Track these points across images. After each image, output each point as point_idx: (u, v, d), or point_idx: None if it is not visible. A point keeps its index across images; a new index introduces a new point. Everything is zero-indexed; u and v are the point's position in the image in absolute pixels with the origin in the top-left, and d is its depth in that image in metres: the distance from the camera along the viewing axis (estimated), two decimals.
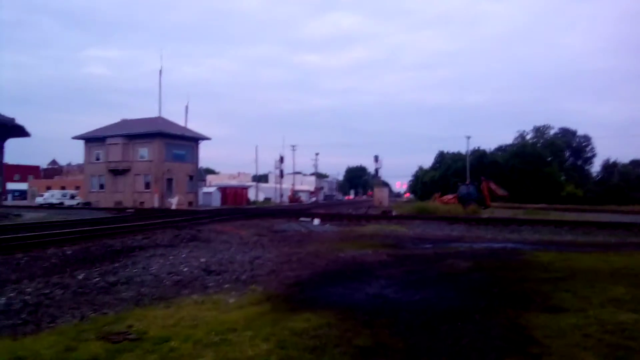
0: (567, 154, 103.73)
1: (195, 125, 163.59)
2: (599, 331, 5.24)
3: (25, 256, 10.48)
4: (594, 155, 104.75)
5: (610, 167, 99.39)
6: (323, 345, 4.76)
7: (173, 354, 4.51)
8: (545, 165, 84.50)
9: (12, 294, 7.13)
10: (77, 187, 68.93)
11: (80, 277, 8.61)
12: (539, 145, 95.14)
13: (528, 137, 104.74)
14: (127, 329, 5.38)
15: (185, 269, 9.53)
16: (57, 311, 6.39)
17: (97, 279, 8.46)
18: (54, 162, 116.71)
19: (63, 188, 68.98)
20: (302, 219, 25.32)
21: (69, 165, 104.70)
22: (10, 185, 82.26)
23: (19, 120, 29.75)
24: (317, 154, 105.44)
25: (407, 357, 4.51)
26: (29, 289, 7.52)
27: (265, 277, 8.83)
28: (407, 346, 4.82)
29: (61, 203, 51.06)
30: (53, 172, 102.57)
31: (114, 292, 7.62)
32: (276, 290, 7.62)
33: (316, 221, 23.77)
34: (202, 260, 10.68)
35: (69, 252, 11.34)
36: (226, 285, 8.06)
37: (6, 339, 5.12)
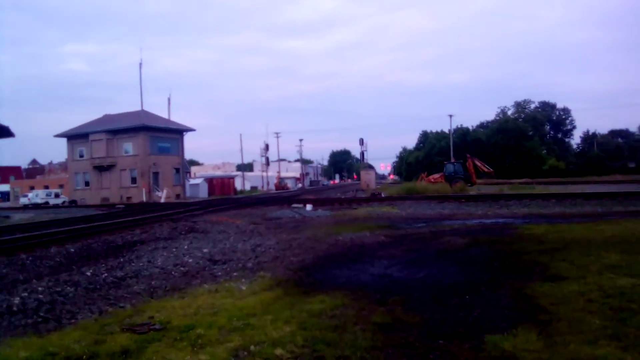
0: (548, 127, 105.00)
1: (178, 117, 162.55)
2: (601, 296, 5.54)
3: (29, 256, 10.51)
4: (573, 128, 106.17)
5: (589, 139, 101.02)
6: (343, 324, 4.97)
7: (201, 340, 4.68)
8: (527, 139, 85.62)
9: (24, 294, 7.21)
10: (61, 186, 68.16)
11: (88, 273, 8.70)
12: (520, 120, 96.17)
13: (509, 112, 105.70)
14: (149, 320, 5.53)
15: (190, 260, 9.67)
16: (74, 307, 6.51)
17: (105, 275, 8.56)
18: (34, 161, 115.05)
19: (46, 187, 68.12)
20: (294, 205, 25.50)
21: (50, 164, 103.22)
22: None
23: (1, 121, 29.30)
24: (301, 140, 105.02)
25: (424, 331, 4.74)
26: (40, 288, 7.59)
27: (270, 264, 9.02)
28: (423, 320, 5.05)
29: (46, 202, 50.48)
30: (35, 172, 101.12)
31: (125, 286, 7.75)
32: (284, 275, 7.82)
33: (308, 207, 23.97)
34: (205, 250, 10.82)
35: (71, 250, 11.39)
36: (235, 274, 8.23)
37: (32, 337, 5.23)
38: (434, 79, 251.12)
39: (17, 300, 6.92)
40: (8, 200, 78.39)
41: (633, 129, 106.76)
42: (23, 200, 54.14)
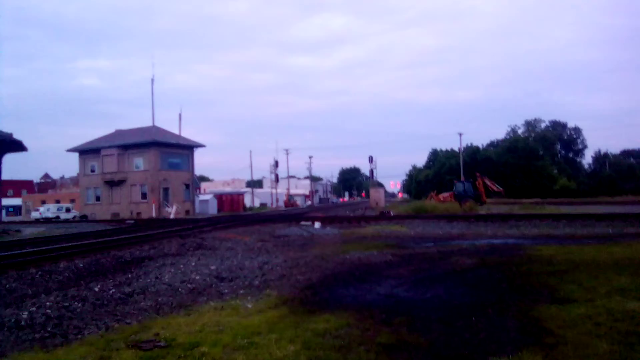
0: (559, 146, 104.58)
1: (188, 133, 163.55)
2: (609, 319, 5.48)
3: (38, 271, 10.59)
4: (585, 147, 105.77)
5: (601, 159, 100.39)
6: (347, 345, 4.96)
7: (205, 358, 4.69)
8: (538, 159, 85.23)
9: (33, 309, 7.26)
10: (72, 200, 68.76)
11: (96, 289, 8.75)
12: (530, 139, 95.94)
13: (519, 131, 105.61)
14: (155, 336, 5.55)
15: (198, 277, 9.70)
16: (80, 323, 6.54)
17: (113, 290, 8.60)
18: (46, 175, 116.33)
19: (58, 202, 68.81)
20: (302, 223, 25.51)
21: (62, 178, 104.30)
22: (3, 201, 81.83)
23: (15, 135, 29.77)
24: (310, 157, 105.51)
25: (429, 352, 4.71)
26: (48, 303, 7.64)
27: (277, 282, 9.02)
28: (428, 342, 5.03)
29: (57, 217, 50.95)
30: (46, 186, 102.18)
31: (132, 302, 7.78)
32: (290, 294, 7.81)
33: (317, 225, 23.97)
34: (212, 267, 10.85)
35: (80, 265, 11.46)
36: (241, 291, 8.24)
37: (39, 352, 5.27)
38: (443, 97, 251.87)
39: (25, 314, 6.96)
40: (20, 214, 79.16)
41: None
42: (34, 215, 54.69)
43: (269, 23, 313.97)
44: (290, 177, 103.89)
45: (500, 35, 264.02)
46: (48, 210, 53.88)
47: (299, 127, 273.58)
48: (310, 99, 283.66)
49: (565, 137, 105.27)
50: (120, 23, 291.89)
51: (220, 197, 65.77)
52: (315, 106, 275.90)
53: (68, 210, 54.90)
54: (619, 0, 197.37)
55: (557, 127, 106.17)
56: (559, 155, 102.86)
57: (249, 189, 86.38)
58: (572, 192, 76.36)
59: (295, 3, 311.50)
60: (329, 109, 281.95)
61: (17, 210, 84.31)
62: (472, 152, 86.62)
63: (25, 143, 30.85)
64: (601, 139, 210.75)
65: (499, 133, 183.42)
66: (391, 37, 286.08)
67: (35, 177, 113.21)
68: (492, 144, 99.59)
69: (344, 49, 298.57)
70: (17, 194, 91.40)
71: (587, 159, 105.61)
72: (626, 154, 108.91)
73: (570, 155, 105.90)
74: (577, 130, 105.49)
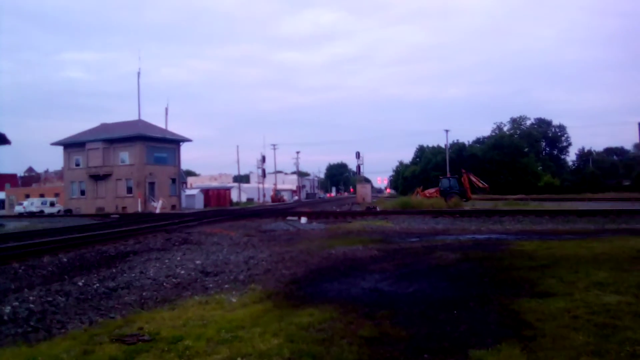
0: (543, 144, 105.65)
1: (175, 127, 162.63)
2: (587, 313, 5.61)
3: (21, 265, 10.52)
4: (569, 145, 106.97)
5: (585, 156, 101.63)
6: (330, 338, 5.02)
7: (189, 352, 4.72)
8: (523, 156, 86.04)
9: (16, 303, 7.23)
10: (57, 194, 67.92)
11: (80, 283, 8.72)
12: (515, 136, 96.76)
13: (505, 128, 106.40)
14: (139, 331, 5.56)
15: (183, 272, 9.70)
16: (64, 317, 6.53)
17: (97, 285, 8.58)
18: (30, 169, 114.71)
19: (42, 196, 67.88)
20: (289, 218, 25.54)
21: (46, 172, 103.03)
22: None
23: None
24: (298, 153, 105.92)
25: (410, 345, 4.79)
26: (31, 297, 7.61)
27: (262, 276, 9.06)
28: (409, 335, 5.11)
29: (41, 211, 50.36)
30: (30, 180, 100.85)
31: (116, 296, 7.77)
32: (275, 288, 7.86)
33: (303, 220, 24.02)
34: (198, 262, 10.85)
35: (64, 260, 11.40)
36: (226, 286, 8.27)
37: (22, 346, 5.26)
38: (431, 94, 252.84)
39: (8, 309, 6.93)
40: (3, 208, 78.04)
41: (628, 147, 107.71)
42: (18, 209, 53.97)
43: (259, 18, 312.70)
44: (277, 172, 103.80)
45: (489, 34, 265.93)
46: (32, 204, 53.22)
47: (287, 122, 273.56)
48: (299, 94, 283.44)
49: (550, 135, 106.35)
50: (109, 15, 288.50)
51: (207, 192, 65.49)
52: (304, 102, 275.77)
53: (52, 204, 54.28)
54: (604, 1, 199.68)
55: (542, 124, 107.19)
56: (543, 152, 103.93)
57: (236, 184, 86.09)
58: (556, 188, 77.22)
59: None
60: (318, 104, 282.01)
61: (0, 204, 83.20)
62: (458, 149, 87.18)
63: (9, 136, 30.35)
64: (585, 136, 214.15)
65: (485, 130, 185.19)
66: (381, 33, 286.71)
67: (19, 170, 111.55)
68: (478, 141, 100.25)
69: (333, 44, 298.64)
70: (0, 188, 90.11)
71: (571, 157, 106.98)
72: (609, 151, 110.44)
73: (555, 152, 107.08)
74: (561, 127, 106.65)
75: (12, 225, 28.46)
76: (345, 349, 4.66)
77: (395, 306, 6.37)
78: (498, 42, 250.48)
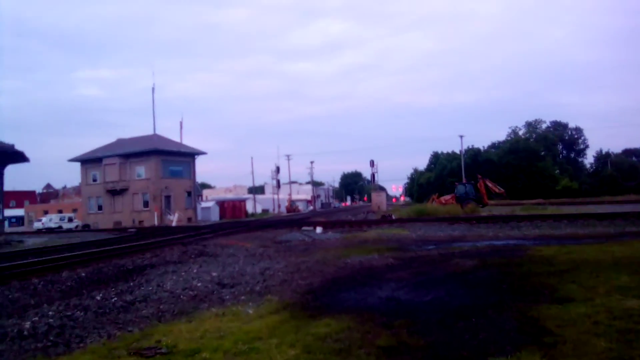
0: (560, 147, 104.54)
1: (190, 141, 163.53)
2: (608, 318, 5.50)
3: (41, 281, 10.64)
4: (586, 147, 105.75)
5: (603, 158, 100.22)
6: (347, 348, 4.99)
7: None
8: (539, 160, 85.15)
9: (35, 318, 7.31)
10: (74, 210, 68.88)
11: (98, 297, 8.80)
12: (531, 140, 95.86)
13: (520, 132, 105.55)
14: (156, 344, 5.58)
15: (199, 284, 9.73)
16: (83, 332, 6.58)
17: (114, 299, 8.64)
18: (48, 185, 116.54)
19: (60, 211, 68.91)
20: (304, 228, 25.53)
21: (64, 188, 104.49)
22: (6, 212, 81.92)
23: (16, 146, 29.91)
24: (312, 162, 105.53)
25: (428, 354, 4.74)
26: (50, 312, 7.69)
27: (278, 287, 9.05)
28: (427, 344, 5.05)
29: (60, 227, 51.04)
30: (49, 196, 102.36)
31: (134, 310, 7.81)
32: (291, 299, 7.84)
33: (318, 229, 23.98)
34: (214, 274, 10.88)
35: (82, 274, 11.51)
36: (242, 297, 8.27)
37: None
38: (443, 100, 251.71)
39: (27, 324, 7.01)
40: (23, 224, 79.31)
41: None
42: (37, 225, 54.84)
43: (269, 30, 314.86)
44: (291, 182, 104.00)
45: (499, 37, 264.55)
46: (50, 220, 54.01)
47: (300, 132, 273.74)
48: (310, 104, 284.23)
49: (567, 138, 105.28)
50: (121, 33, 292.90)
51: (222, 204, 65.82)
52: (315, 111, 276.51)
53: (70, 219, 55.01)
54: (617, 0, 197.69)
55: (558, 127, 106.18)
56: (560, 155, 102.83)
57: (250, 195, 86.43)
58: (574, 192, 76.23)
59: (294, 10, 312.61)
60: (330, 114, 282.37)
61: (19, 220, 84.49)
62: (473, 154, 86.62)
63: (27, 154, 30.99)
64: (602, 138, 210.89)
65: (500, 135, 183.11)
66: (390, 41, 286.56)
67: (38, 187, 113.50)
68: (493, 146, 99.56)
69: (343, 54, 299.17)
70: (19, 205, 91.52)
71: (588, 159, 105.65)
72: (628, 152, 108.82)
73: (572, 155, 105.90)
74: (578, 130, 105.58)
75: (31, 241, 28.84)
76: (362, 359, 4.62)
77: (412, 315, 6.31)
78: (509, 46, 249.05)
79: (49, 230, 47.37)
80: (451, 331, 5.49)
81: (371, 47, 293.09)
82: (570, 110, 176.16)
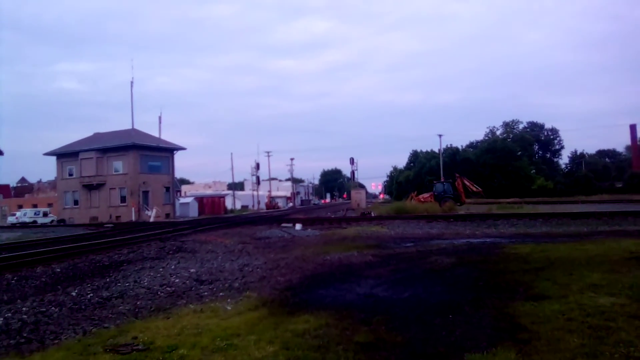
0: (536, 147, 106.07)
1: (169, 136, 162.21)
2: (581, 315, 5.62)
3: (14, 276, 10.45)
4: (562, 148, 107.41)
5: (577, 159, 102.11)
6: (326, 344, 5.01)
7: None
8: (516, 159, 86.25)
9: (8, 314, 7.18)
10: (50, 205, 67.53)
11: (73, 293, 8.67)
12: (508, 140, 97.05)
13: (498, 132, 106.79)
14: (133, 340, 5.52)
15: (177, 280, 9.65)
16: (57, 328, 6.48)
17: (90, 295, 8.53)
18: (23, 179, 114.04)
19: (35, 206, 67.52)
20: (283, 224, 25.49)
21: (39, 182, 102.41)
22: None
23: None
24: (292, 159, 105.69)
25: (406, 350, 4.78)
26: (24, 308, 7.56)
27: (257, 284, 9.03)
28: (405, 340, 5.10)
29: (34, 222, 50.04)
30: (23, 190, 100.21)
31: (110, 306, 7.72)
32: (270, 295, 7.83)
33: (298, 226, 23.98)
34: (192, 270, 10.80)
35: (57, 270, 11.32)
36: (221, 294, 8.23)
37: (15, 357, 5.22)
38: (424, 100, 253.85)
39: (0, 320, 6.88)
40: None
41: (620, 149, 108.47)
42: (11, 219, 53.59)
43: (253, 27, 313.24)
44: (271, 179, 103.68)
45: (480, 39, 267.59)
46: (25, 214, 52.90)
47: (281, 129, 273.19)
48: (292, 101, 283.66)
49: (543, 138, 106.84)
50: (103, 26, 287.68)
51: (201, 200, 65.32)
52: (297, 109, 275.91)
53: (45, 214, 53.97)
54: (594, 5, 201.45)
55: (535, 128, 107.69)
56: (536, 155, 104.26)
57: (230, 192, 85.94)
58: (549, 191, 77.43)
59: (278, 7, 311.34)
60: (312, 111, 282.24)
61: None
62: (451, 153, 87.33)
63: (1, 147, 30.35)
64: (578, 139, 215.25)
65: (478, 134, 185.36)
66: (374, 41, 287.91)
67: (12, 181, 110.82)
68: (471, 145, 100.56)
69: (326, 52, 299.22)
70: None
71: (564, 159, 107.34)
72: (602, 154, 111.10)
73: (548, 155, 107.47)
74: (554, 131, 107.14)
75: (4, 236, 28.24)
76: (341, 355, 4.65)
77: (390, 311, 6.36)
78: (489, 48, 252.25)
79: (23, 225, 46.40)
80: (428, 327, 5.55)
81: (355, 46, 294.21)
82: (547, 111, 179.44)
